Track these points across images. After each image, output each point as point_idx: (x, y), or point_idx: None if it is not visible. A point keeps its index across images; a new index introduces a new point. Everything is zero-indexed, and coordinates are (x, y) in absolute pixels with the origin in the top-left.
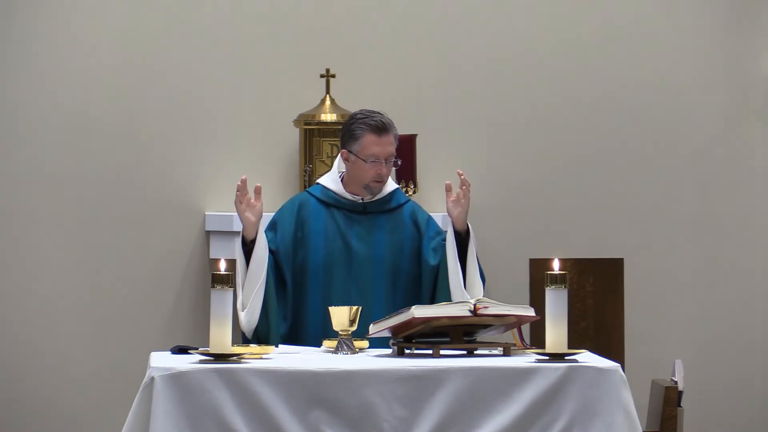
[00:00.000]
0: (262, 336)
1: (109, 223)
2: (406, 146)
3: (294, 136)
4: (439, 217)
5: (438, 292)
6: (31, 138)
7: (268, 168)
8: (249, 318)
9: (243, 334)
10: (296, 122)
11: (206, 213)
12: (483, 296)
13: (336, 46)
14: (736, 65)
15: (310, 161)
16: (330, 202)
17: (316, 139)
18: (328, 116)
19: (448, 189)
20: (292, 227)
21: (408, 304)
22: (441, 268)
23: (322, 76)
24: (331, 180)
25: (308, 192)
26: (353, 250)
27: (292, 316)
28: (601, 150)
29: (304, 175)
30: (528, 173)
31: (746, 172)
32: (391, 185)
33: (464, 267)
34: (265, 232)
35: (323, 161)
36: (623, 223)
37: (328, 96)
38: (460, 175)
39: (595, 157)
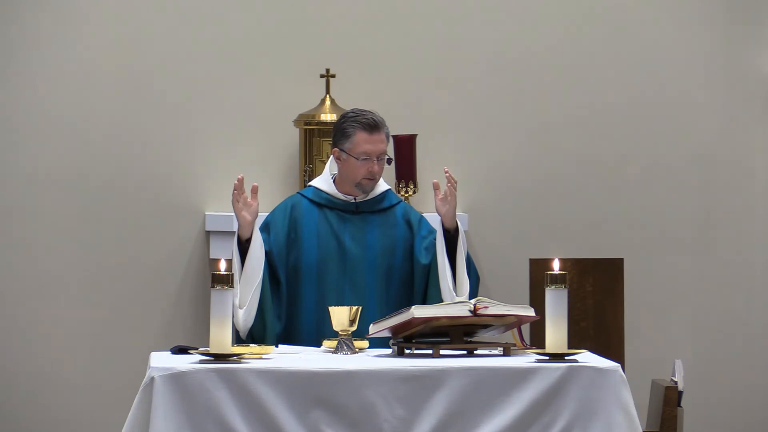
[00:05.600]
0: (256, 335)
1: (109, 223)
2: (406, 146)
3: (294, 136)
4: (438, 218)
5: (429, 290)
6: (31, 139)
7: (268, 168)
8: (246, 317)
9: (237, 333)
10: (296, 122)
11: (206, 213)
12: (474, 295)
13: (336, 46)
14: (736, 65)
15: (310, 161)
16: (322, 202)
17: (316, 139)
18: (328, 116)
19: (436, 187)
20: (285, 228)
21: (401, 303)
22: (432, 267)
23: (322, 76)
24: (323, 181)
25: (300, 194)
26: (346, 249)
27: (286, 316)
28: (601, 150)
29: (304, 175)
30: (528, 173)
31: (746, 172)
32: (383, 185)
33: (454, 265)
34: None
35: (323, 161)
36: (623, 223)
37: (328, 96)
38: (446, 172)
39: (596, 157)
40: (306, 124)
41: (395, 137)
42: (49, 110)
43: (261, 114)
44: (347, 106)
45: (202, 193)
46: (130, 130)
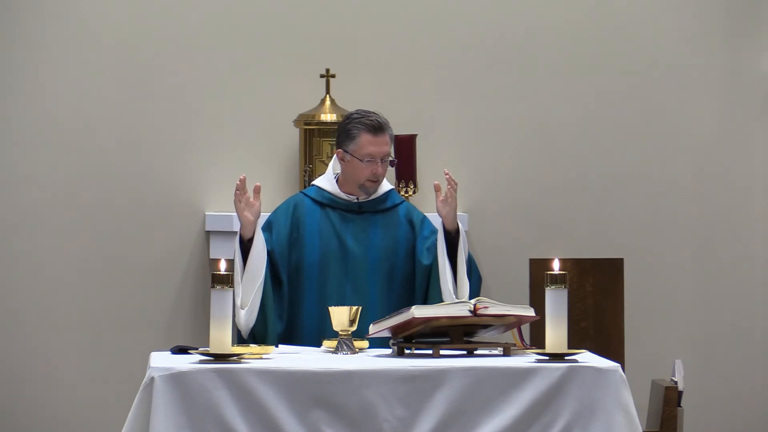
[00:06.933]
0: (258, 335)
1: (109, 223)
2: (406, 146)
3: (294, 136)
4: (439, 218)
5: (430, 291)
6: (31, 139)
7: (268, 168)
8: (248, 317)
9: (239, 333)
10: (296, 122)
11: (206, 213)
12: (477, 296)
13: (336, 46)
14: (736, 65)
15: (310, 161)
16: (325, 202)
17: (316, 139)
18: (328, 116)
19: (437, 189)
20: (287, 228)
21: (403, 303)
22: (433, 268)
23: (322, 76)
24: (326, 181)
25: (303, 193)
26: (348, 249)
27: (287, 316)
28: (601, 150)
29: (304, 175)
30: (528, 173)
31: (746, 172)
32: (386, 185)
33: (455, 266)
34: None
35: (323, 161)
36: (623, 223)
37: (328, 96)
38: (446, 174)
39: (595, 157)
40: (306, 124)
41: (395, 137)
42: (49, 111)
43: (261, 114)
44: (347, 106)
45: (202, 193)
46: (130, 130)
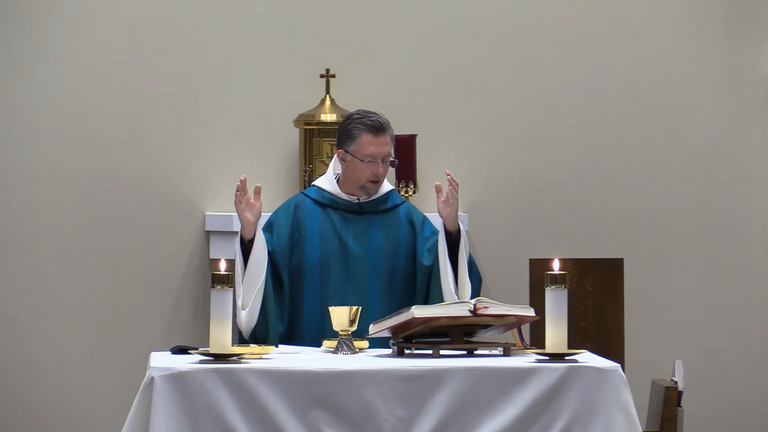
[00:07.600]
0: (259, 336)
1: (109, 223)
2: (406, 146)
3: (294, 136)
4: (439, 218)
5: (431, 292)
6: (31, 139)
7: (268, 168)
8: (249, 318)
9: (240, 333)
10: (296, 122)
11: (206, 213)
12: (477, 296)
13: (336, 46)
14: (736, 65)
15: (310, 161)
16: (325, 202)
17: (316, 139)
18: (328, 116)
19: (438, 190)
20: (288, 228)
21: (404, 304)
22: (434, 269)
23: (322, 76)
24: (326, 181)
25: (303, 193)
26: (349, 249)
27: (288, 316)
28: (601, 150)
29: (304, 175)
30: (528, 173)
31: (746, 172)
32: (387, 186)
33: (456, 267)
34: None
35: (323, 161)
36: (623, 223)
37: (328, 96)
38: (448, 175)
39: (595, 157)
40: (306, 124)
41: (395, 137)
42: (49, 110)
43: (261, 114)
44: (347, 106)
45: (202, 193)
46: (130, 130)
